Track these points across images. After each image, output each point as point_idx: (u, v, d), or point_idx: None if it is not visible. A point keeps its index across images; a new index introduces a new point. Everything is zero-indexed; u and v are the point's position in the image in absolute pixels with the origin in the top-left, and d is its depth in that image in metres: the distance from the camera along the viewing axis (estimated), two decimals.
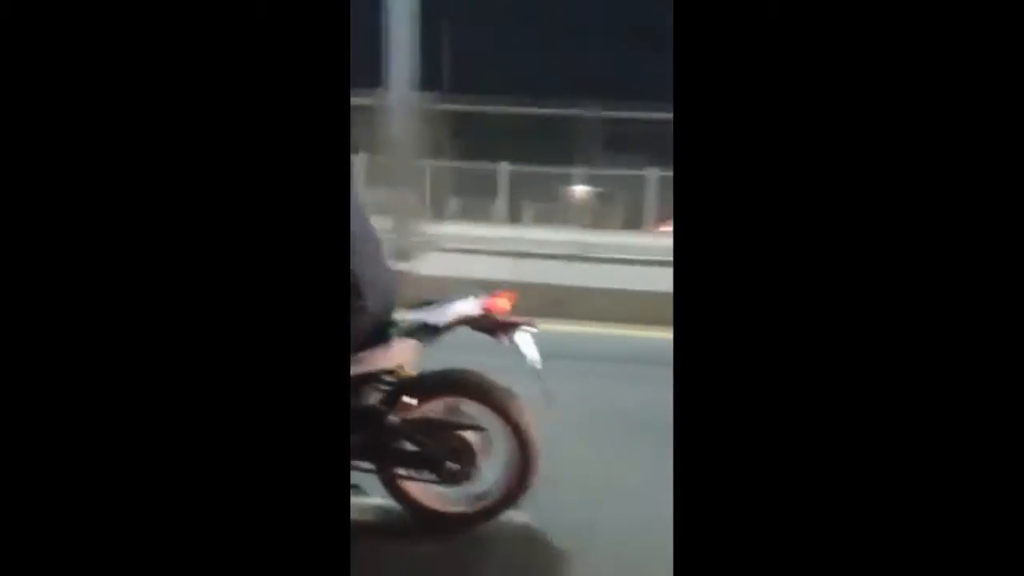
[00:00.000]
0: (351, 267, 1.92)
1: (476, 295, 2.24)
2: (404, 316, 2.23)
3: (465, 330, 2.22)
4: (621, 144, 14.19)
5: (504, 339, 2.20)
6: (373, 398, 2.22)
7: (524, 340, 2.21)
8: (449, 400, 2.26)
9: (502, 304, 2.22)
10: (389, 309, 2.19)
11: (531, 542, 2.27)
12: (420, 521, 2.28)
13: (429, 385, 2.24)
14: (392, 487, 2.25)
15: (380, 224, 2.54)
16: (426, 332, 2.20)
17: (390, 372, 2.20)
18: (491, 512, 2.26)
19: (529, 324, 2.24)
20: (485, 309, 2.19)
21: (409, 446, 2.20)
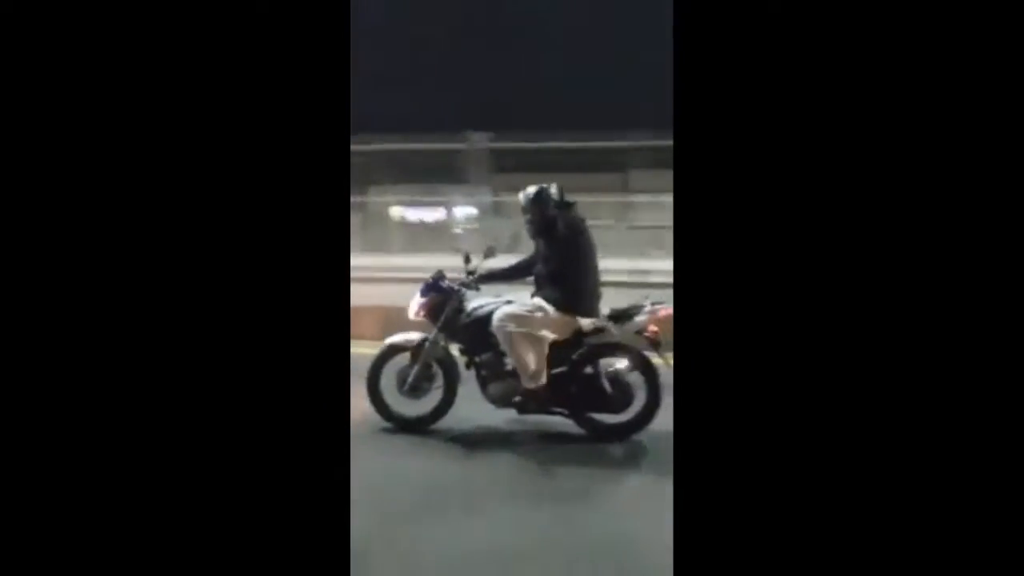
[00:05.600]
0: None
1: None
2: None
3: None
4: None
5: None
6: (578, 355, 3.30)
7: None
8: (613, 359, 3.35)
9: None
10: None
11: None
12: (599, 434, 3.35)
13: (605, 349, 3.33)
14: (581, 418, 3.35)
15: None
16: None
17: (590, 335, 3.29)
18: (638, 426, 3.32)
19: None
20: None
21: (604, 390, 3.28)
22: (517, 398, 3.36)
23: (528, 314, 3.29)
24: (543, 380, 3.29)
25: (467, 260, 3.53)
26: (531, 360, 3.26)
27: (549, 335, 3.30)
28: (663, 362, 3.28)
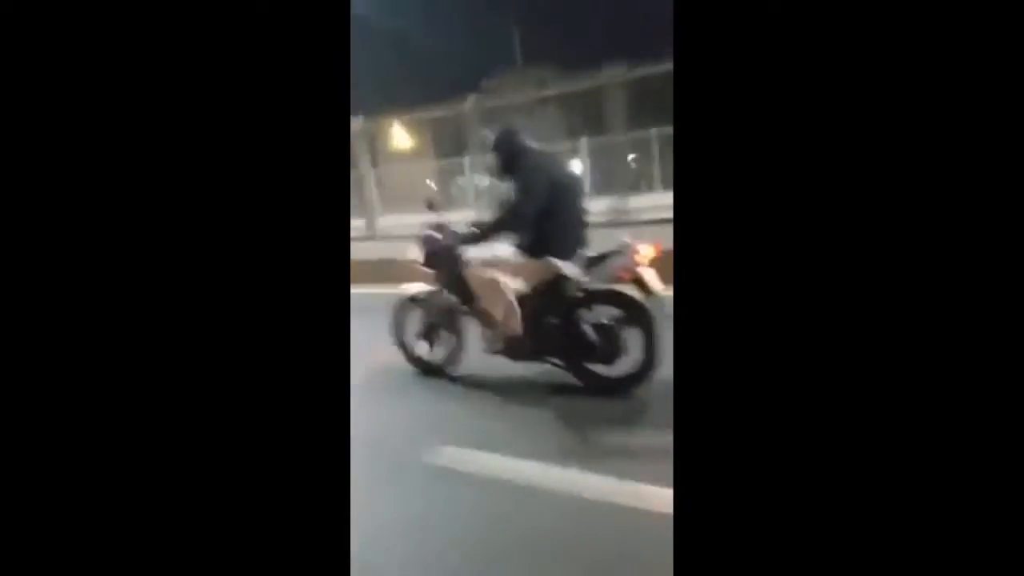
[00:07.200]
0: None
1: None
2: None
3: None
4: None
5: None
6: (558, 302, 3.17)
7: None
8: (608, 309, 3.11)
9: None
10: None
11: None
12: (594, 386, 3.18)
13: (590, 296, 3.13)
14: (577, 369, 3.21)
15: None
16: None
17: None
18: (636, 381, 3.06)
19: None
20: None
21: (588, 340, 3.12)
22: (501, 346, 3.31)
23: (491, 260, 3.21)
24: (517, 328, 3.20)
25: (430, 206, 3.53)
26: (498, 307, 3.19)
27: (514, 281, 3.20)
28: (651, 297, 2.98)
